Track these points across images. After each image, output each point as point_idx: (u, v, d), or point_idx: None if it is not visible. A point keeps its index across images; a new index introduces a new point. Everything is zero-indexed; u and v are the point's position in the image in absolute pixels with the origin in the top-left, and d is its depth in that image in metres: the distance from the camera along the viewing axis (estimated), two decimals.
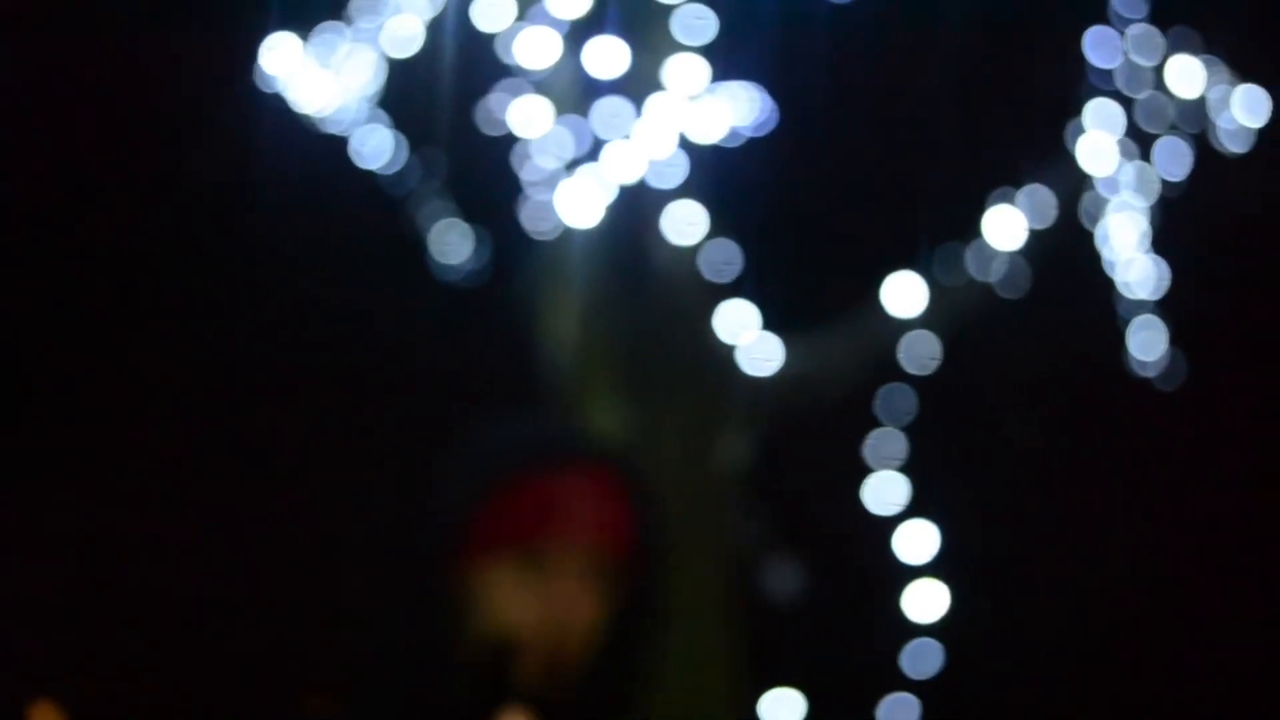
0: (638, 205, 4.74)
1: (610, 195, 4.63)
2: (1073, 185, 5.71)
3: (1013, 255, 5.68)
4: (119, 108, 6.51)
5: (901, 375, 5.68)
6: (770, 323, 5.18)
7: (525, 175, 4.75)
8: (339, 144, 5.21)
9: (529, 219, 4.81)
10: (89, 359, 7.37)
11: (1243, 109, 5.72)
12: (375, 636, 2.16)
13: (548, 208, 4.72)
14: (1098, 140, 5.68)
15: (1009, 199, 5.68)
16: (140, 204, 6.64)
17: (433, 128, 5.13)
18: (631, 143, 4.59)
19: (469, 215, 5.39)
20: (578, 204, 4.63)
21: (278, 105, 5.13)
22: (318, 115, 5.10)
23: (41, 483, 7.64)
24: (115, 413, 7.53)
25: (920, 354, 5.58)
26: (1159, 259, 5.76)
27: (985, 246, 5.67)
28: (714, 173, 4.81)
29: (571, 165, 4.63)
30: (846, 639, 6.59)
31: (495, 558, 2.11)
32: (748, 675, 5.17)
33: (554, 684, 2.10)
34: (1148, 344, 5.77)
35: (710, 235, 4.94)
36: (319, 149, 5.20)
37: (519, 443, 2.18)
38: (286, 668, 7.56)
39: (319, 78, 5.07)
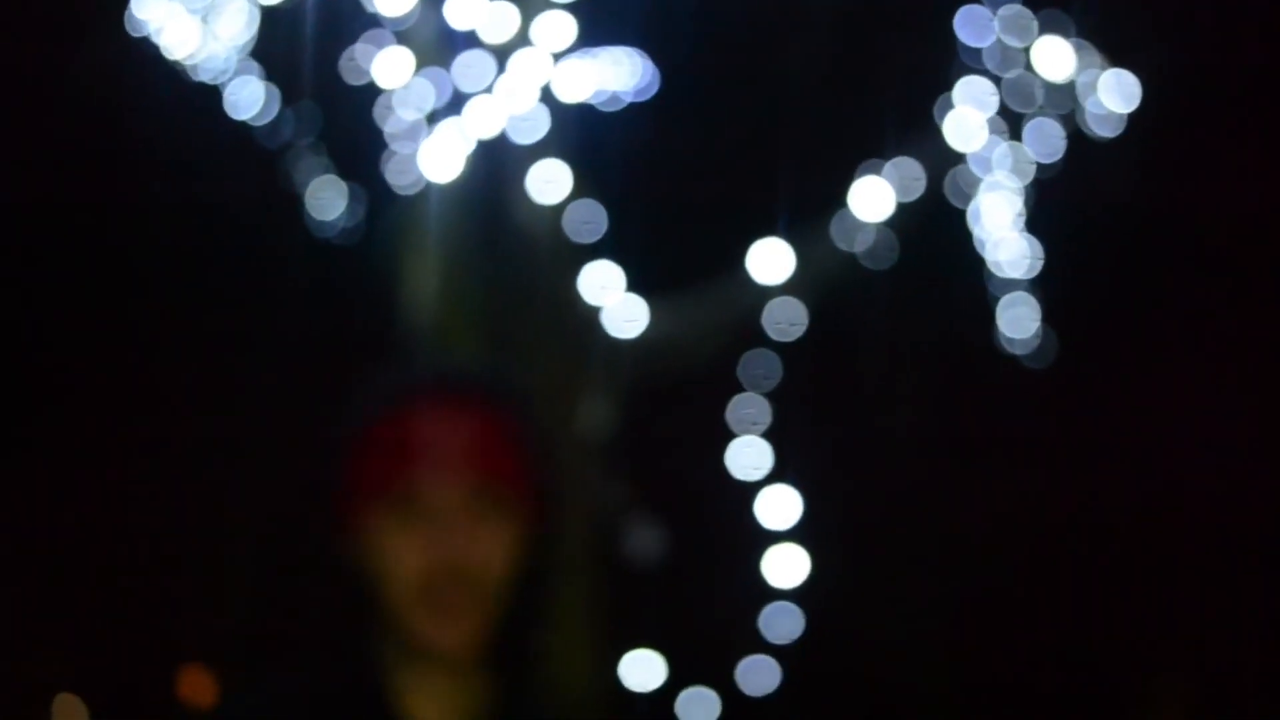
0: (499, 161, 4.72)
1: (470, 149, 4.61)
2: (941, 160, 5.77)
3: (879, 227, 5.72)
4: None
5: (765, 341, 5.72)
6: (634, 285, 5.19)
7: (388, 127, 4.72)
8: (212, 94, 5.16)
9: (392, 172, 4.78)
10: None
11: (1112, 93, 5.79)
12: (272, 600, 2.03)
13: (410, 161, 4.69)
14: (967, 116, 5.74)
15: (876, 170, 5.72)
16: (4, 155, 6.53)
17: (305, 81, 5.09)
18: (493, 97, 4.57)
19: (343, 171, 5.35)
20: (439, 158, 4.60)
21: (148, 51, 5.07)
22: (189, 63, 5.05)
23: None
24: None
25: (784, 320, 5.61)
26: (1031, 239, 5.83)
27: (851, 217, 5.71)
28: (580, 133, 4.81)
29: (432, 118, 4.60)
30: (706, 602, 6.65)
31: (375, 507, 1.94)
32: (608, 637, 5.20)
33: (459, 630, 1.92)
34: (1018, 322, 5.85)
35: (574, 196, 4.93)
36: (191, 98, 5.15)
37: (383, 387, 2.00)
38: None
39: (189, 25, 5.02)
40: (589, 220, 5.02)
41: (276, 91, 5.11)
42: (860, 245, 5.74)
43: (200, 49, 5.01)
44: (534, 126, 4.61)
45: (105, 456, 7.51)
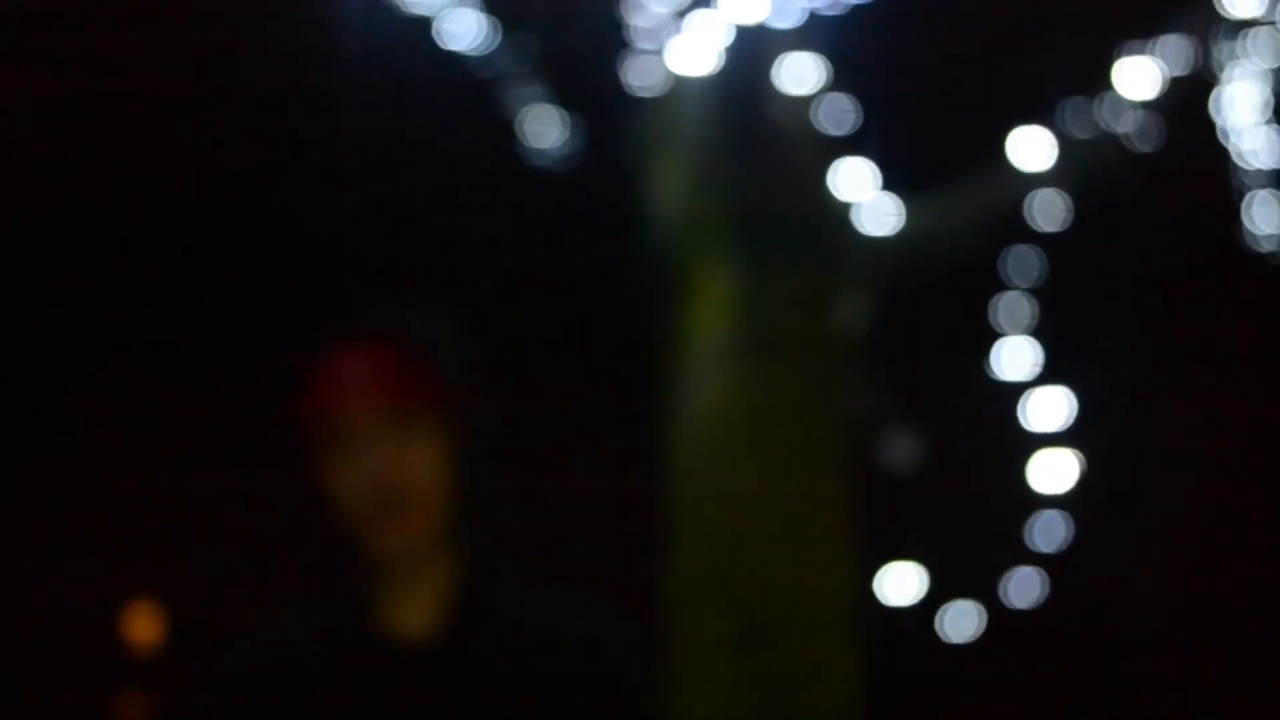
0: (754, 50, 4.46)
1: (726, 39, 4.35)
2: (1210, 31, 5.36)
3: (1145, 107, 5.35)
4: None
5: (1030, 235, 5.40)
6: (890, 181, 4.91)
7: (635, 24, 4.48)
8: (425, 25, 4.98)
9: (635, 74, 4.56)
10: None
11: None
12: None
13: (654, 62, 4.46)
14: None
15: (1142, 49, 5.34)
16: (221, 83, 6.47)
17: (522, 8, 4.90)
18: None
19: (561, 100, 5.18)
20: (690, 51, 4.36)
21: None
22: None
23: None
24: None
25: (1050, 211, 5.29)
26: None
27: (1117, 97, 5.34)
28: (828, 24, 4.53)
29: (683, 12, 4.36)
30: (971, 511, 6.39)
31: (317, 445, 2.30)
32: (866, 550, 4.96)
33: (404, 546, 2.27)
34: (1266, 217, 5.47)
35: (827, 89, 4.66)
36: (405, 31, 4.97)
37: (314, 333, 2.34)
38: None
39: None
40: (842, 113, 4.75)
41: (494, 21, 4.93)
42: (1126, 127, 5.37)
43: None
44: (795, 10, 4.34)
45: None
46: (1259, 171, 5.42)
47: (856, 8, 4.59)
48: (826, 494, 4.65)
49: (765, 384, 4.50)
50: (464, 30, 4.90)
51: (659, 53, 4.49)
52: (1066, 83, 5.38)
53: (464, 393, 2.31)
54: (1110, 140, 5.36)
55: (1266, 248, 5.48)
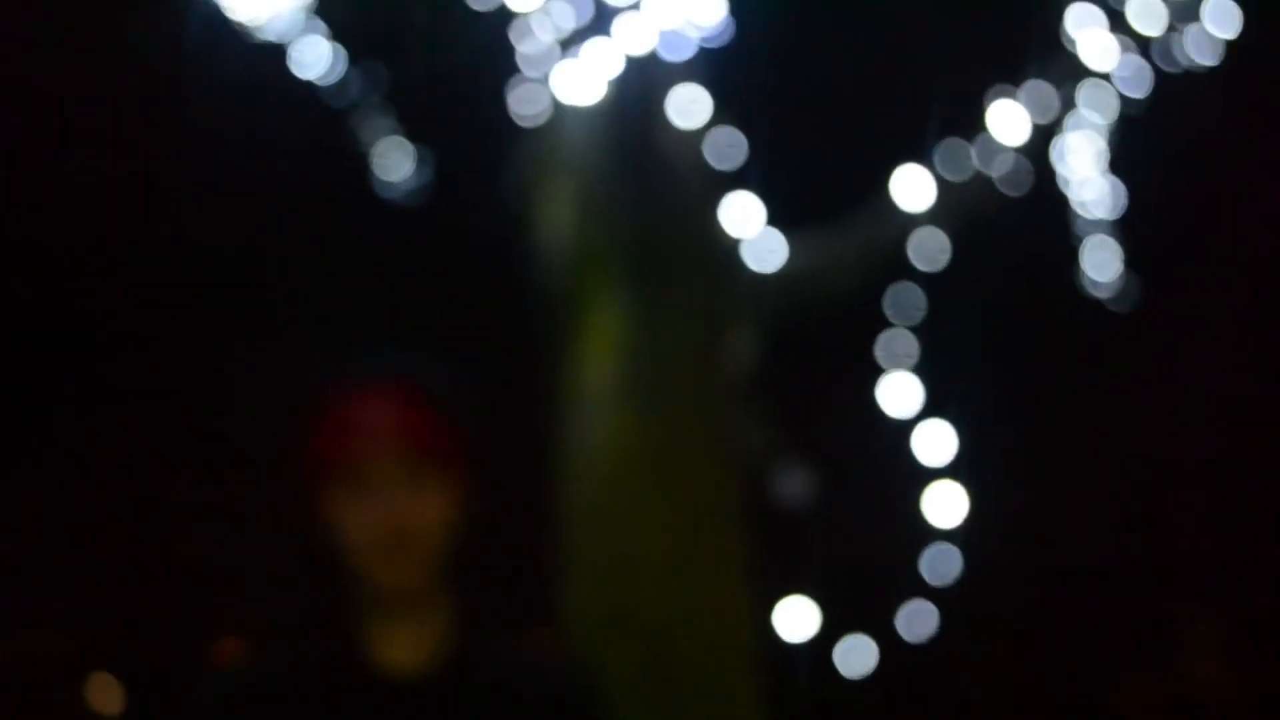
0: (647, 81, 4.49)
1: (617, 69, 4.40)
2: (1072, 79, 5.54)
3: (1015, 152, 5.51)
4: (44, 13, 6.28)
5: (911, 272, 5.52)
6: (774, 216, 5.00)
7: (522, 49, 4.50)
8: (277, 53, 4.99)
9: (517, 102, 4.60)
10: None
11: (1215, 18, 5.51)
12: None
13: (539, 90, 4.50)
14: (1095, 36, 5.48)
15: (1011, 94, 5.50)
16: (69, 117, 6.45)
17: (373, 38, 4.94)
18: (641, 13, 4.33)
19: (412, 132, 5.23)
20: (578, 79, 4.38)
21: (210, 12, 4.90)
22: (252, 23, 4.88)
23: None
24: None
25: (930, 250, 5.40)
26: (1116, 179, 5.62)
27: (990, 140, 5.49)
28: (715, 56, 4.60)
29: (568, 41, 4.39)
30: (863, 545, 6.47)
31: (324, 483, 2.36)
32: (757, 586, 5.02)
33: (405, 587, 2.36)
34: (1102, 265, 5.64)
35: (714, 123, 4.74)
36: (255, 59, 4.99)
37: (322, 378, 2.41)
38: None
39: None
40: (730, 146, 4.82)
41: (344, 51, 4.95)
42: (998, 170, 5.52)
43: (265, 9, 4.83)
44: (687, 43, 4.38)
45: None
46: (1096, 220, 5.60)
47: (741, 42, 4.66)
48: (721, 528, 4.69)
49: (657, 420, 4.53)
50: (315, 58, 4.91)
51: (544, 81, 4.53)
52: (943, 123, 5.52)
53: (472, 440, 2.41)
54: (984, 182, 5.50)
55: (1101, 294, 5.65)
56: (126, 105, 6.21)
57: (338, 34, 4.87)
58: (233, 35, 4.71)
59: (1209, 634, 7.41)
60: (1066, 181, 5.59)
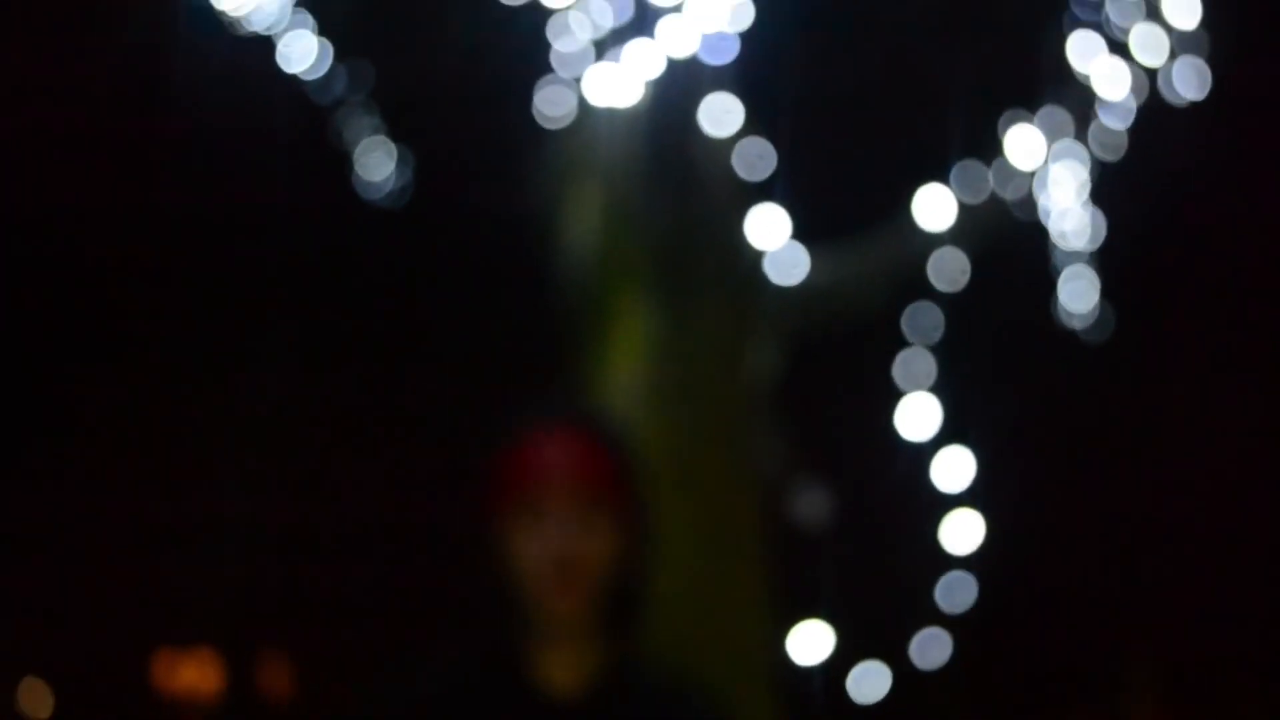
0: (685, 86, 4.43)
1: (655, 72, 4.31)
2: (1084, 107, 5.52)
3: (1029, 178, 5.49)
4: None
5: (929, 292, 5.48)
6: (799, 230, 4.95)
7: (558, 47, 4.43)
8: (263, 46, 4.92)
9: (544, 103, 4.54)
10: None
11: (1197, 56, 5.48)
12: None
13: (565, 91, 4.44)
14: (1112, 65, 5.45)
15: (1027, 119, 5.48)
16: (55, 106, 6.40)
17: (360, 35, 4.90)
18: (683, 14, 4.26)
19: (395, 132, 5.20)
20: (614, 83, 4.30)
21: (197, 3, 4.83)
22: (237, 15, 4.81)
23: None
24: None
25: (950, 270, 5.36)
26: (1096, 210, 5.58)
27: (1006, 165, 5.47)
28: (747, 66, 4.54)
29: (602, 42, 4.31)
30: (878, 571, 6.41)
31: (504, 514, 2.53)
32: (774, 607, 4.97)
33: (571, 614, 2.51)
34: (1078, 295, 5.62)
35: (744, 132, 4.69)
36: (241, 51, 4.92)
37: (514, 416, 2.59)
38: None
39: None
40: (758, 158, 4.78)
41: (330, 46, 4.90)
42: (1013, 194, 5.51)
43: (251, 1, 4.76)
44: (728, 46, 4.33)
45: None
46: (1074, 252, 5.57)
47: (770, 48, 4.61)
48: (742, 536, 4.67)
49: (680, 426, 4.51)
50: (301, 53, 4.87)
51: (573, 83, 4.48)
52: (963, 145, 5.49)
53: (641, 481, 2.59)
54: (1001, 205, 5.49)
55: (1077, 325, 5.62)
56: (112, 96, 6.16)
57: (325, 30, 4.83)
58: (220, 27, 4.67)
59: (1147, 675, 7.40)
60: (1047, 212, 5.57)
